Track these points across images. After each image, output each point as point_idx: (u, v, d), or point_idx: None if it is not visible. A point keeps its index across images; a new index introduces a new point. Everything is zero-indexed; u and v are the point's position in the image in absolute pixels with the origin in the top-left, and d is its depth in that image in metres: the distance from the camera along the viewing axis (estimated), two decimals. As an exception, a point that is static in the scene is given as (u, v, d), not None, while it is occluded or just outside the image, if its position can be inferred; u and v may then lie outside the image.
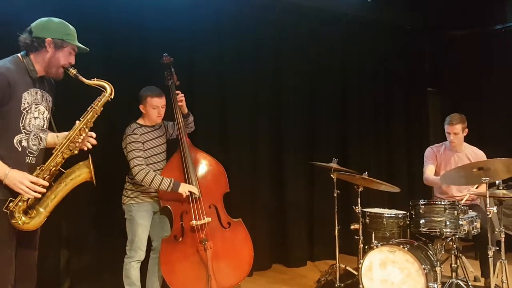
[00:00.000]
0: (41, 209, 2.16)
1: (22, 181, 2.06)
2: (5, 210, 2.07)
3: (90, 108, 2.29)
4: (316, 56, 5.00)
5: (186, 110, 3.41)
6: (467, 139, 3.89)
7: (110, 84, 2.33)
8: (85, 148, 2.32)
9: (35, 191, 2.09)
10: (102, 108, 2.31)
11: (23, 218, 2.11)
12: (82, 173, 2.26)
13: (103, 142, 3.63)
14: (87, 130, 2.28)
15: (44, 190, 2.15)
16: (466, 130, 3.80)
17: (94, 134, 2.34)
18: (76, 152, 2.27)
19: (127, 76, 3.75)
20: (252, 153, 4.51)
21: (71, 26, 2.28)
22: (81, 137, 2.26)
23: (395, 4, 5.47)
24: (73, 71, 2.27)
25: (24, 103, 2.14)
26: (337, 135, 5.13)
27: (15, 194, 2.09)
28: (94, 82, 2.29)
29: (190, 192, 3.17)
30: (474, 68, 5.70)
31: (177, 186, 3.12)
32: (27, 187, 2.07)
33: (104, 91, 2.31)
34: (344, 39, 5.20)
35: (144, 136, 3.19)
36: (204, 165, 3.38)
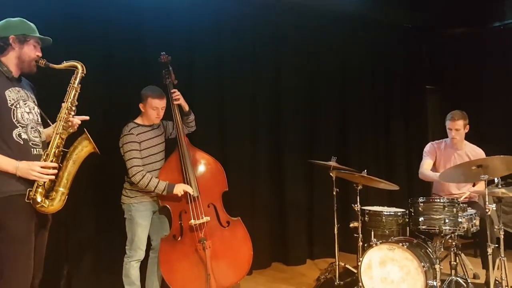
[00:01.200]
0: (60, 189, 2.30)
1: (33, 168, 2.18)
2: (27, 201, 2.19)
3: (69, 88, 2.42)
4: (315, 55, 5.01)
5: (187, 108, 3.41)
6: (467, 136, 3.89)
7: (79, 62, 2.45)
8: (75, 127, 2.42)
9: (48, 174, 2.21)
10: (80, 85, 2.43)
11: (47, 202, 2.25)
12: (84, 147, 2.40)
13: (102, 141, 3.65)
14: (73, 108, 2.40)
15: (56, 171, 2.27)
16: (467, 126, 3.80)
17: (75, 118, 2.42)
18: (71, 131, 2.41)
19: (126, 76, 3.78)
20: (251, 152, 4.52)
21: (30, 22, 2.38)
22: (71, 116, 2.38)
23: (394, 3, 5.46)
24: (42, 62, 2.37)
25: (9, 100, 2.23)
26: (337, 134, 5.14)
27: (30, 186, 2.21)
28: (65, 64, 2.42)
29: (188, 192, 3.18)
30: (473, 66, 5.69)
31: (171, 188, 3.12)
32: (39, 172, 2.19)
33: (76, 69, 2.43)
34: (343, 38, 5.20)
35: (141, 136, 3.19)
36: (202, 164, 3.38)
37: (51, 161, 2.28)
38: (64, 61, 2.42)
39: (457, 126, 3.75)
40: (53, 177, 2.25)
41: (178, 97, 3.33)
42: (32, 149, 2.28)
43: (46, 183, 2.24)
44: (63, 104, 2.39)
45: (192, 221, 3.18)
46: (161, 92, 3.23)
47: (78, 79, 2.43)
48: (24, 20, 2.37)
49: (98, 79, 3.65)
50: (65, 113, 2.37)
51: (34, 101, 2.41)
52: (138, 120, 3.25)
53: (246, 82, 4.50)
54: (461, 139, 3.83)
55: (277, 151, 4.72)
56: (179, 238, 3.22)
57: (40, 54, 2.38)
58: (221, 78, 4.38)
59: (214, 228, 3.28)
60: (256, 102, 4.59)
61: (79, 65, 2.44)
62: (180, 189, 3.14)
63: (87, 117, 2.47)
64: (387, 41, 5.56)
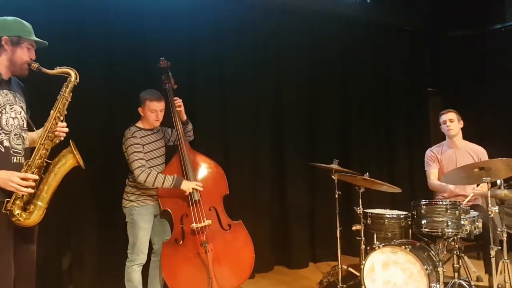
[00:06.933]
0: (39, 203, 2.20)
1: (11, 179, 2.09)
2: (4, 211, 2.10)
3: (59, 96, 2.32)
4: (316, 58, 5.00)
5: (185, 117, 3.40)
6: (468, 138, 3.89)
7: (73, 69, 2.35)
8: (61, 139, 2.31)
9: (26, 187, 2.12)
10: (71, 94, 2.34)
11: (23, 215, 2.15)
12: (67, 160, 2.30)
13: (104, 146, 3.68)
14: (61, 118, 2.30)
15: (34, 184, 2.17)
16: (462, 122, 3.83)
17: (64, 124, 2.32)
18: (57, 141, 2.29)
19: (127, 82, 3.77)
20: (252, 155, 4.51)
21: (26, 23, 2.29)
22: (58, 126, 2.28)
23: (394, 5, 5.47)
24: (35, 65, 2.27)
25: None
26: (338, 137, 5.13)
27: (9, 195, 2.12)
28: (58, 70, 2.31)
29: (191, 194, 3.17)
30: (474, 68, 5.69)
31: (179, 182, 3.13)
32: (18, 184, 2.09)
33: (69, 77, 2.33)
34: (344, 40, 5.20)
35: (143, 139, 3.19)
36: (203, 168, 3.38)
37: (33, 172, 2.18)
38: (58, 67, 2.31)
39: (450, 116, 3.79)
40: (32, 190, 2.15)
41: (180, 104, 3.34)
42: (13, 157, 2.19)
43: (24, 195, 2.14)
44: (51, 112, 2.29)
45: (194, 224, 3.17)
46: (159, 95, 3.24)
47: (69, 88, 2.32)
48: (20, 20, 2.27)
49: (99, 85, 3.66)
50: (52, 123, 2.27)
51: (21, 105, 2.31)
52: (139, 124, 3.25)
53: (246, 84, 4.50)
54: (456, 132, 3.82)
55: (278, 154, 4.72)
56: (181, 242, 3.21)
57: (33, 57, 2.29)
58: (222, 82, 4.38)
59: (216, 231, 3.28)
60: (258, 106, 4.59)
61: (72, 73, 2.33)
62: (189, 186, 3.15)
63: (66, 129, 2.32)
64: (388, 44, 5.55)
